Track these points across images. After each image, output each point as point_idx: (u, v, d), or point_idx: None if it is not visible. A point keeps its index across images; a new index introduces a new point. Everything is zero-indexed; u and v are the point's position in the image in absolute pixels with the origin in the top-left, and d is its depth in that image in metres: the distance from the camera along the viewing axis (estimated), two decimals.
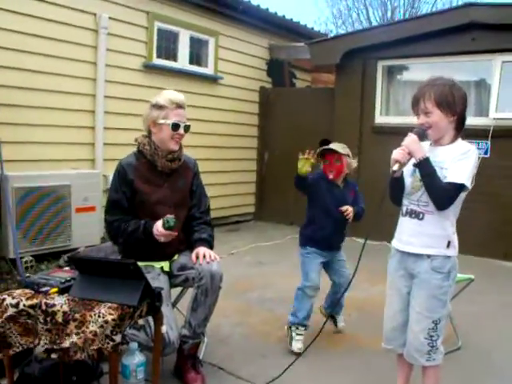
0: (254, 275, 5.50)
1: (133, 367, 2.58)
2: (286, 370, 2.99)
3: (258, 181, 9.01)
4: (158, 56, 7.07)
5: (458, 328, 3.71)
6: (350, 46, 7.46)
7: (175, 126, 3.05)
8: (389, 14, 21.51)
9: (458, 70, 6.93)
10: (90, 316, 2.18)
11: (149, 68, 6.83)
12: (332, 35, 10.44)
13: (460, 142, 2.58)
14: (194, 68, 7.64)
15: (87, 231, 5.55)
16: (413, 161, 2.52)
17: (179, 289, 3.38)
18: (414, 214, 2.58)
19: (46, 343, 2.23)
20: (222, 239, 7.10)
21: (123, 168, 3.08)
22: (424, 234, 2.55)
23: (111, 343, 2.13)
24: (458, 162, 2.46)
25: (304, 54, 8.35)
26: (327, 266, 3.77)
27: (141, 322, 2.95)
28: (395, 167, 2.48)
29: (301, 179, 3.45)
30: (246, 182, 8.80)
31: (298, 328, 3.61)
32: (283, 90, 9.01)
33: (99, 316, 2.16)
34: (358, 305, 4.44)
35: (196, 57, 7.74)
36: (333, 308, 3.84)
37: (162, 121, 3.04)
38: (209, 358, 3.40)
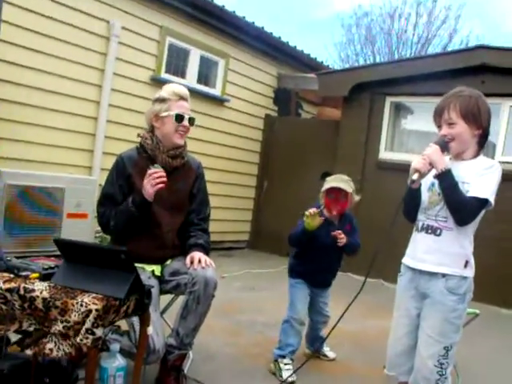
0: (244, 299, 5.30)
1: (112, 371, 2.37)
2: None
3: (255, 209, 8.86)
4: (167, 71, 7.02)
5: (459, 367, 3.51)
6: (360, 79, 7.42)
7: (179, 118, 2.91)
8: None
9: None
10: (72, 304, 1.99)
11: (156, 82, 6.74)
12: (341, 68, 10.41)
13: (482, 157, 2.44)
14: (202, 87, 7.58)
15: (77, 238, 5.33)
16: (431, 174, 2.37)
17: (168, 298, 3.19)
18: (431, 230, 2.41)
19: (32, 324, 2.04)
20: (214, 263, 6.87)
21: (122, 160, 2.93)
22: (440, 251, 2.37)
23: (91, 337, 1.94)
24: (481, 177, 2.31)
25: (312, 85, 8.32)
26: (309, 303, 3.58)
27: (124, 327, 2.77)
28: (415, 176, 2.32)
29: (308, 234, 3.31)
30: (243, 209, 8.63)
31: (284, 360, 3.40)
32: (288, 119, 8.94)
33: (81, 305, 1.97)
34: (352, 337, 4.25)
35: (204, 77, 7.69)
36: (314, 344, 3.73)
37: (164, 113, 2.91)
38: (193, 374, 3.18)
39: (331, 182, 3.45)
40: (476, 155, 2.43)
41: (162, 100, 2.92)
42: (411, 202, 2.48)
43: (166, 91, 2.94)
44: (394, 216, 2.35)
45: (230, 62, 7.89)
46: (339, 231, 3.40)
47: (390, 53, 21.83)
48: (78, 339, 1.95)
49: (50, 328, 1.98)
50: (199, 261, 2.83)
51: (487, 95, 6.60)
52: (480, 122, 2.37)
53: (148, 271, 2.91)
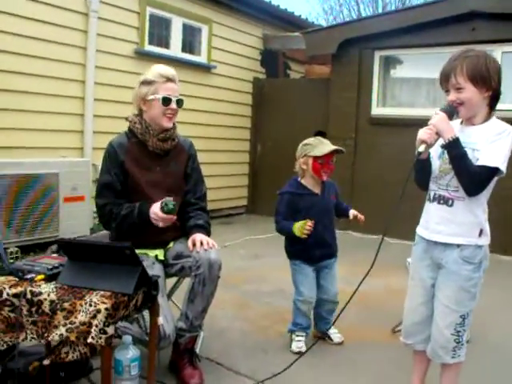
0: (249, 268, 5.32)
1: (126, 362, 2.37)
2: (289, 366, 2.78)
3: (251, 173, 8.82)
4: (150, 43, 6.86)
5: None
6: (347, 35, 7.29)
7: (166, 100, 2.84)
8: (379, 10, 21.43)
9: None
10: (81, 305, 1.97)
11: (140, 55, 6.61)
12: (328, 25, 10.24)
13: (495, 120, 2.32)
14: (187, 56, 7.44)
15: (76, 222, 5.33)
16: (441, 141, 2.29)
17: (174, 279, 3.18)
18: (443, 200, 2.35)
19: (32, 337, 2.02)
20: (214, 232, 6.77)
21: (114, 148, 2.87)
22: (454, 221, 2.32)
23: (104, 336, 1.93)
24: (492, 144, 2.22)
25: (299, 45, 8.18)
26: (316, 280, 3.46)
27: None
28: (421, 148, 2.24)
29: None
30: (239, 175, 8.60)
31: (296, 332, 3.41)
32: (277, 81, 8.84)
33: (90, 305, 1.95)
34: (358, 300, 4.21)
35: (189, 45, 7.54)
36: (319, 325, 3.55)
37: (151, 96, 2.83)
38: (206, 353, 3.20)
39: (320, 145, 3.29)
40: (488, 118, 2.32)
41: (148, 82, 2.84)
42: (421, 171, 2.40)
43: (152, 73, 2.86)
44: (404, 185, 2.23)
45: (214, 27, 7.72)
46: (353, 214, 3.42)
47: (374, 0, 21.49)
48: (90, 339, 1.93)
49: (48, 337, 1.96)
50: (201, 243, 2.80)
51: (478, 42, 6.61)
52: (490, 84, 2.25)
53: (152, 256, 2.89)
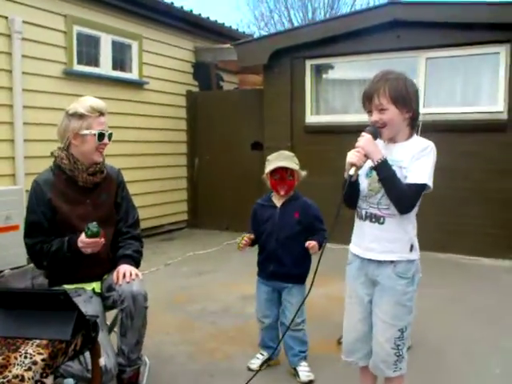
0: (193, 286, 5.27)
1: None
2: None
3: (190, 187, 8.77)
4: (79, 62, 6.71)
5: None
6: (277, 45, 7.37)
7: (101, 136, 2.80)
8: (309, 15, 21.80)
9: (385, 67, 6.92)
10: (15, 358, 1.89)
11: (70, 75, 6.47)
12: (258, 36, 10.32)
13: (416, 138, 2.41)
14: (118, 73, 7.33)
15: (11, 252, 5.13)
16: (369, 162, 2.33)
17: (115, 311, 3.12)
18: (375, 218, 2.39)
19: None
20: (156, 250, 6.84)
21: (39, 186, 2.79)
22: (386, 239, 2.37)
23: None
24: (417, 161, 2.29)
25: (230, 56, 8.21)
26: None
27: None
28: (351, 171, 2.26)
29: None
30: (177, 189, 8.53)
31: (260, 351, 3.40)
32: (211, 94, 8.83)
33: (26, 357, 1.88)
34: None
35: (119, 62, 7.42)
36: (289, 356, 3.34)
37: (85, 131, 2.77)
38: (153, 381, 3.16)
39: (273, 161, 3.22)
40: (409, 137, 2.40)
41: (80, 116, 2.77)
42: (352, 193, 2.41)
43: (83, 106, 2.78)
44: (338, 210, 2.25)
45: (144, 42, 7.64)
46: (308, 243, 3.12)
47: (303, 6, 21.79)
48: None
49: None
50: (124, 275, 2.75)
51: (403, 49, 6.80)
52: (410, 105, 2.33)
53: (89, 290, 2.83)
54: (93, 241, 2.63)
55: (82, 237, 2.64)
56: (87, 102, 2.82)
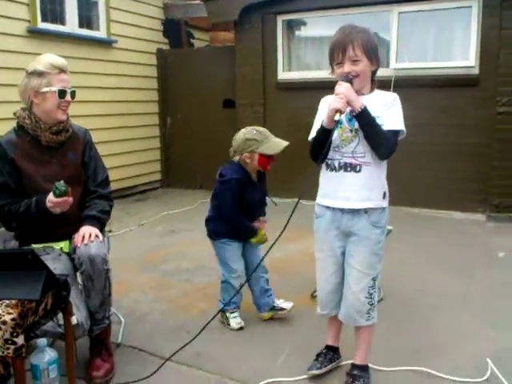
0: (167, 245, 5.27)
1: (43, 366, 2.30)
2: (192, 339, 2.72)
3: (163, 147, 8.68)
4: (44, 20, 6.46)
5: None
6: (248, 1, 7.20)
7: (62, 93, 2.73)
8: None
9: (357, 21, 6.81)
10: None
11: (34, 33, 6.24)
12: None
13: (379, 91, 2.49)
14: (85, 32, 7.08)
15: None
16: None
17: None
18: (350, 167, 2.42)
19: None
20: (130, 210, 6.81)
21: (2, 147, 2.73)
22: (363, 186, 2.42)
23: (12, 347, 1.85)
24: (389, 110, 2.38)
25: (201, 12, 8.06)
26: (245, 259, 3.44)
27: None
28: (337, 117, 2.28)
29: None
30: (150, 149, 8.41)
31: (230, 310, 3.40)
32: (181, 51, 8.66)
33: None
34: (278, 266, 4.33)
35: (86, 19, 7.17)
36: (265, 305, 3.45)
37: (45, 89, 2.70)
38: (129, 341, 3.17)
39: (271, 141, 3.22)
40: (372, 89, 2.47)
41: (39, 74, 2.69)
42: (324, 142, 2.39)
43: (42, 64, 2.71)
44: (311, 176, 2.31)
45: None
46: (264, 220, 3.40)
47: None
48: None
49: None
50: (83, 238, 2.70)
51: (375, 4, 6.72)
52: (377, 58, 2.41)
53: (57, 249, 2.81)
54: (61, 200, 2.59)
55: (50, 196, 2.59)
56: (46, 59, 2.74)
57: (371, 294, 2.51)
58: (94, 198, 2.93)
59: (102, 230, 2.86)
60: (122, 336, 3.22)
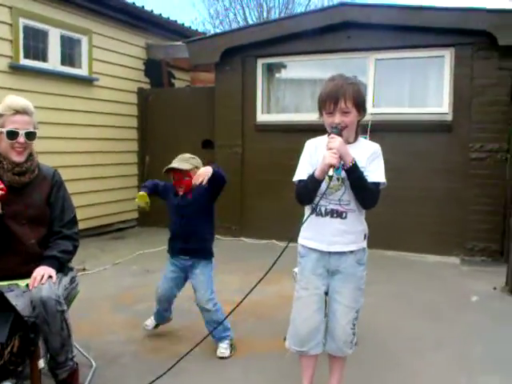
0: (140, 285, 5.21)
1: None
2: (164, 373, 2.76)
3: (140, 185, 8.64)
4: (26, 56, 6.54)
5: None
6: (229, 44, 7.38)
7: (11, 134, 2.74)
8: (265, 14, 21.83)
9: (335, 67, 7.05)
10: None
11: (16, 69, 6.30)
12: (210, 34, 10.29)
13: (362, 139, 2.62)
14: (67, 69, 7.16)
15: None
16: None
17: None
18: (336, 214, 2.56)
19: None
20: (105, 248, 6.75)
21: None
22: (347, 231, 2.57)
23: None
24: (373, 162, 2.52)
25: (182, 53, 8.18)
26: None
27: None
28: (330, 172, 2.39)
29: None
30: (128, 187, 8.40)
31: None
32: (162, 91, 8.76)
33: None
34: (254, 310, 4.31)
35: (68, 57, 7.26)
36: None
37: (0, 129, 2.75)
38: (99, 383, 3.11)
39: (172, 164, 3.53)
40: (356, 138, 2.60)
41: None
42: (314, 191, 2.52)
43: (2, 106, 2.76)
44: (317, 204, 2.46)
45: (94, 38, 7.50)
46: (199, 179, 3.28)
47: (259, 5, 21.81)
48: None
49: None
50: (35, 280, 2.65)
51: (353, 50, 6.92)
52: (365, 108, 2.54)
53: (22, 286, 2.76)
54: None
55: None
56: (7, 101, 2.79)
57: (354, 325, 2.67)
58: (58, 238, 2.93)
59: (61, 269, 2.84)
60: (92, 378, 3.15)
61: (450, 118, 6.43)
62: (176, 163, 3.49)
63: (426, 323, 4.19)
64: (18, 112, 2.76)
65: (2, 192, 2.61)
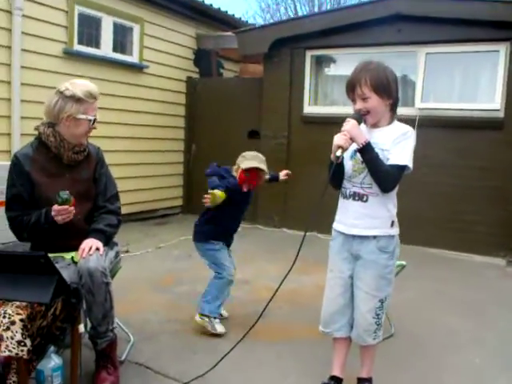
0: (182, 269, 5.29)
1: (48, 372, 2.34)
2: (213, 367, 2.84)
3: (186, 173, 8.78)
4: (80, 42, 6.70)
5: (390, 315, 3.67)
6: (279, 35, 7.36)
7: (94, 122, 2.90)
8: (316, 9, 21.74)
9: (385, 60, 6.95)
10: None
11: (70, 55, 6.46)
12: (259, 25, 10.31)
13: (397, 123, 2.59)
14: (118, 56, 7.31)
15: (2, 227, 5.14)
16: (354, 145, 2.49)
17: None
18: (358, 197, 2.57)
19: None
20: (149, 233, 6.87)
21: (18, 160, 2.83)
22: (369, 215, 2.55)
23: (25, 349, 1.89)
24: (398, 144, 2.47)
25: (232, 44, 8.20)
26: None
27: None
28: (338, 153, 2.42)
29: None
30: (173, 175, 8.54)
31: (215, 316, 3.65)
32: (211, 80, 8.82)
33: (4, 317, 1.91)
34: (289, 297, 4.33)
35: (120, 44, 7.41)
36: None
37: (81, 116, 2.83)
38: (135, 358, 3.19)
39: (251, 160, 3.54)
40: (390, 122, 2.58)
41: (77, 100, 2.80)
42: (337, 173, 2.57)
43: (80, 91, 2.81)
44: (324, 190, 2.42)
45: (146, 26, 7.63)
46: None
47: None
48: (5, 351, 1.89)
49: None
50: (83, 251, 2.73)
51: (404, 44, 6.80)
52: (390, 92, 2.51)
53: (67, 258, 2.86)
54: (62, 208, 2.63)
55: (54, 205, 2.66)
56: (84, 86, 2.85)
57: (378, 315, 2.62)
58: (103, 212, 3.01)
59: (107, 243, 2.93)
60: (129, 353, 3.23)
61: (501, 114, 6.26)
62: (260, 164, 3.54)
63: (466, 321, 4.11)
64: (96, 99, 2.89)
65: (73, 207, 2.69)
